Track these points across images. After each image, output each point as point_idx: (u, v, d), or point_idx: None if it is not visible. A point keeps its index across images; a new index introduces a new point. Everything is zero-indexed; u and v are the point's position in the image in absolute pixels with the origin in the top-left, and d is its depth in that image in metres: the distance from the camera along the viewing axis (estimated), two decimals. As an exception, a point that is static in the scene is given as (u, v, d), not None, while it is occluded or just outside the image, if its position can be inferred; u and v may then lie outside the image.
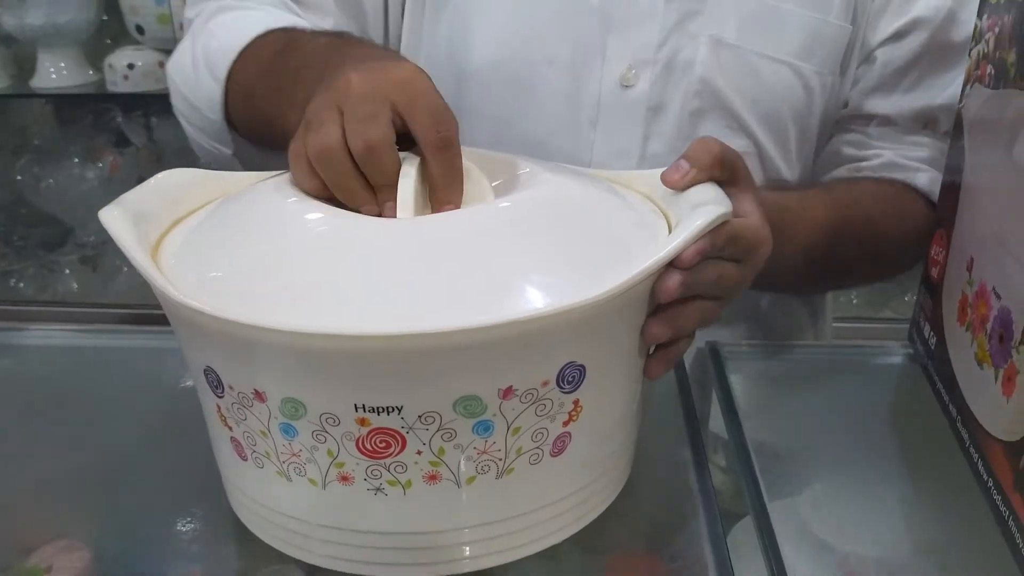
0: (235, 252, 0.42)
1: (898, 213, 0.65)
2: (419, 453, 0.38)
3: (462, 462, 0.39)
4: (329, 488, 0.39)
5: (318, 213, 0.44)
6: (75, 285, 1.58)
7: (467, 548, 0.42)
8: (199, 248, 0.44)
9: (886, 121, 0.68)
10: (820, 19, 0.66)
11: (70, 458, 0.55)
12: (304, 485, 0.40)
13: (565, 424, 0.40)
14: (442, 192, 0.43)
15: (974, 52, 0.52)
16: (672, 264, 0.40)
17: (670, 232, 0.44)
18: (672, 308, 0.42)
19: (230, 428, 0.41)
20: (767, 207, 0.47)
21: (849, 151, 0.70)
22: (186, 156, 0.65)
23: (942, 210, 0.57)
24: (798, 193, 0.64)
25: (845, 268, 0.67)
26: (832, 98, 0.69)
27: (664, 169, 0.46)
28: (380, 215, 0.43)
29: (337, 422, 0.37)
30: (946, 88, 0.66)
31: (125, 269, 1.55)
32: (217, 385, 0.40)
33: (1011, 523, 0.42)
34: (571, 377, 0.39)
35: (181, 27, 1.28)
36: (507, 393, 0.37)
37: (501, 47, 0.66)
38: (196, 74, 0.65)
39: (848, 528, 0.49)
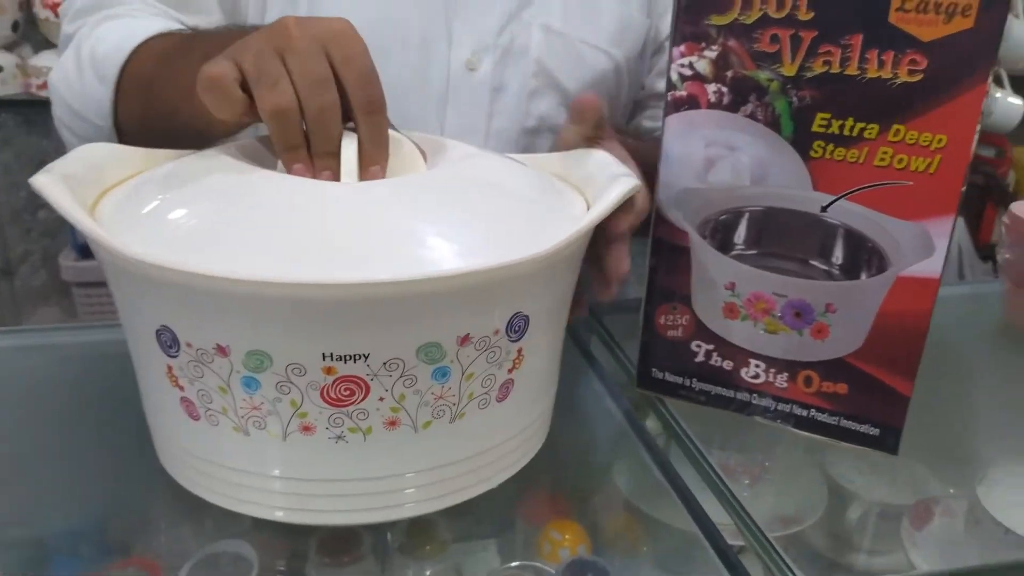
0: (181, 215, 0.42)
1: None
2: (381, 400, 0.40)
3: (420, 407, 0.41)
4: (290, 439, 0.41)
5: (266, 176, 0.44)
6: None
7: (420, 491, 0.44)
8: (138, 213, 0.43)
9: None
10: (626, 11, 0.77)
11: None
12: (263, 439, 0.41)
13: (510, 371, 0.43)
14: (369, 153, 0.45)
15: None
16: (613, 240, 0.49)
17: (586, 201, 0.49)
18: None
19: (181, 388, 0.41)
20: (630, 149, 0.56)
21: (649, 124, 0.83)
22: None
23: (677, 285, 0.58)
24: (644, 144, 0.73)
25: None
26: (634, 82, 0.81)
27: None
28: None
29: (303, 372, 0.39)
30: None
31: None
32: (171, 344, 0.40)
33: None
34: (517, 326, 0.42)
35: None
36: (464, 340, 0.40)
37: None
38: (82, 80, 0.64)
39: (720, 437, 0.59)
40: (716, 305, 0.56)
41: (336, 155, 0.44)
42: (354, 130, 0.45)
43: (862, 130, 0.48)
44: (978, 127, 0.46)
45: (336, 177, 0.45)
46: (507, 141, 0.75)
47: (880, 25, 0.46)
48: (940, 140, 0.47)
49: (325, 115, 0.44)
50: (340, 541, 0.49)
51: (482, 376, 0.42)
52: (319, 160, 0.45)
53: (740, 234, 0.54)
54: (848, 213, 0.50)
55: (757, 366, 0.56)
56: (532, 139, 0.76)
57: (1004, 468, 0.59)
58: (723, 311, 0.56)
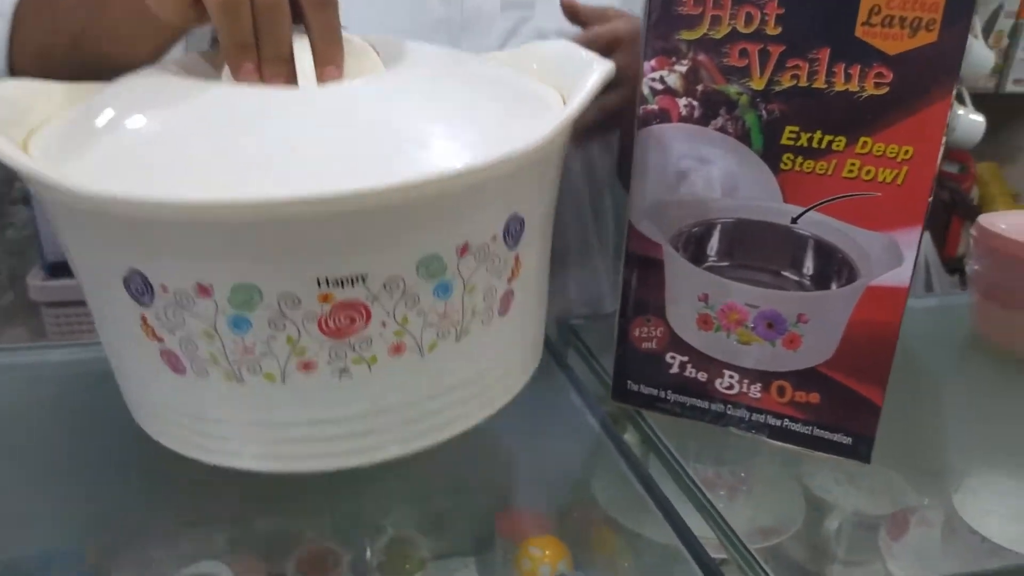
0: (133, 144, 0.38)
1: None
2: (384, 325, 0.37)
3: (424, 328, 0.38)
4: (289, 381, 0.37)
5: (219, 88, 0.40)
6: None
7: (433, 417, 0.41)
8: (81, 147, 0.38)
9: None
10: None
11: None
12: (259, 384, 0.37)
13: (509, 281, 0.41)
14: (322, 51, 0.41)
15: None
16: None
17: (559, 94, 0.47)
18: None
19: (160, 340, 0.37)
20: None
21: None
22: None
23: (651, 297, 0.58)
24: None
25: None
26: None
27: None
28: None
29: (297, 303, 0.35)
30: None
31: None
32: (143, 291, 0.36)
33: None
34: (514, 230, 0.40)
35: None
36: (463, 250, 0.37)
37: None
38: None
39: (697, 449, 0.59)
40: (690, 317, 0.57)
41: (288, 60, 0.41)
42: (303, 32, 0.42)
43: (830, 142, 0.49)
44: (943, 139, 0.47)
45: (291, 82, 0.41)
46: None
47: (847, 39, 0.47)
48: (907, 152, 0.48)
49: (274, 13, 0.40)
50: (318, 560, 0.48)
51: (484, 289, 0.40)
52: (269, 65, 0.41)
53: (712, 246, 0.54)
54: (818, 224, 0.51)
55: (731, 377, 0.57)
56: None
57: (979, 478, 0.60)
58: (697, 323, 0.57)
